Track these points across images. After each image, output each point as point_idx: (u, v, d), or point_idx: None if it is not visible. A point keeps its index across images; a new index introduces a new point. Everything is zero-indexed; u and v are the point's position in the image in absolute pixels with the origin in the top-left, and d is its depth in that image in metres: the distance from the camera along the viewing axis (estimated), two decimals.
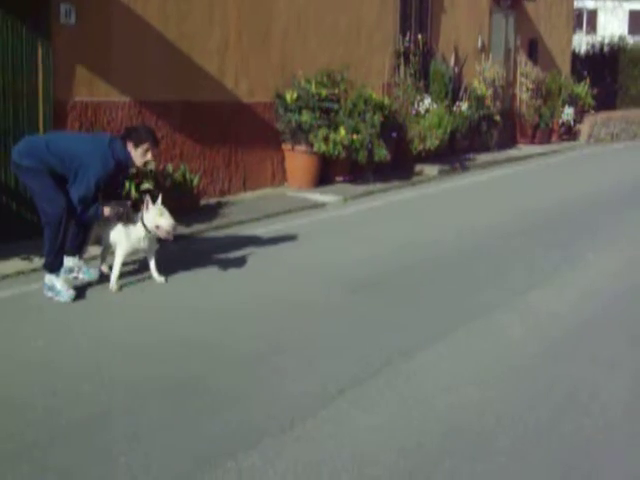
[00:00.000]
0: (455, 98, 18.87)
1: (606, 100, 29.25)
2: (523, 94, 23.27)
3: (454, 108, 18.49)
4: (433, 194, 15.04)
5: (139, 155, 8.26)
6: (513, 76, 23.27)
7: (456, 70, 19.55)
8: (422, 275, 9.16)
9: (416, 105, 17.34)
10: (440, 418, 5.49)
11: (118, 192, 8.83)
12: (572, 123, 24.70)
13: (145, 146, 8.25)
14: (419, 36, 18.24)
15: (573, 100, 24.73)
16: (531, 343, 7.08)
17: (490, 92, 20.45)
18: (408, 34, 17.91)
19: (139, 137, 8.28)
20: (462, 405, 5.70)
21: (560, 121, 24.16)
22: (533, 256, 10.14)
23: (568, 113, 24.28)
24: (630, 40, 35.56)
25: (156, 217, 8.17)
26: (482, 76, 20.78)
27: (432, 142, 16.82)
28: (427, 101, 17.56)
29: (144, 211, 8.24)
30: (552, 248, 10.57)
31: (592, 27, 48.61)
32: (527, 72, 23.40)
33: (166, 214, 8.21)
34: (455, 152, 18.62)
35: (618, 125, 27.04)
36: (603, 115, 26.80)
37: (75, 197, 7.90)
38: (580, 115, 25.32)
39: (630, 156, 23.04)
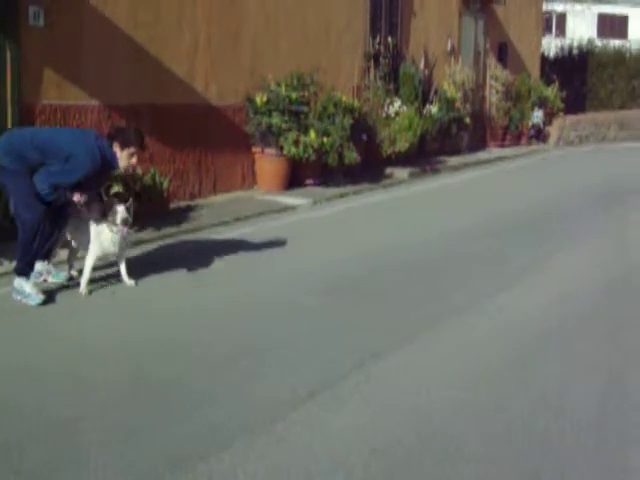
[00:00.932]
0: (425, 101, 18.92)
1: (575, 103, 29.42)
2: (493, 97, 23.39)
3: (424, 111, 18.53)
4: (403, 197, 15.07)
5: (124, 157, 8.08)
6: (483, 79, 23.38)
7: (426, 73, 19.61)
8: (392, 277, 9.17)
9: (386, 108, 17.38)
10: (410, 421, 5.50)
11: (96, 192, 8.66)
12: (541, 126, 24.84)
13: (132, 149, 8.08)
14: (389, 38, 18.27)
15: (542, 103, 24.88)
16: (501, 345, 7.10)
17: (460, 95, 20.52)
18: (378, 36, 17.94)
19: (126, 139, 8.09)
20: (432, 408, 5.71)
21: (529, 124, 24.30)
22: (502, 258, 10.18)
23: (537, 116, 24.42)
24: (599, 43, 35.76)
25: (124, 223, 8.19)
26: (452, 79, 20.86)
27: (402, 145, 16.87)
28: (397, 104, 17.59)
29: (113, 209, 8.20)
30: (521, 250, 10.61)
31: (561, 30, 48.79)
32: (497, 75, 23.53)
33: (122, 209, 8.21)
34: (425, 155, 18.67)
35: (587, 128, 27.21)
36: (572, 118, 26.95)
37: (48, 179, 7.73)
38: (549, 118, 25.47)
39: (598, 158, 23.18)
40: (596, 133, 27.49)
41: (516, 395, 5.97)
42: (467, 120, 20.62)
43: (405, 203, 14.55)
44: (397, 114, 17.38)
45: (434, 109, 18.91)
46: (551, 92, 25.54)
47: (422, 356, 6.75)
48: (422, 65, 19.64)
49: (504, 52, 24.69)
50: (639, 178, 18.45)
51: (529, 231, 11.87)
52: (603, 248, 11.00)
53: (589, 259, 10.34)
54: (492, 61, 23.79)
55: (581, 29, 45.30)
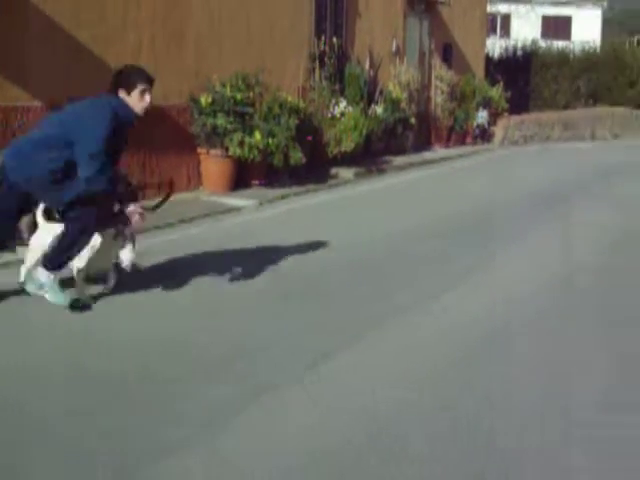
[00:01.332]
0: (370, 101, 18.94)
1: (519, 103, 29.69)
2: (438, 97, 23.49)
3: (369, 111, 18.55)
4: (349, 197, 15.09)
5: (136, 101, 7.37)
6: (428, 79, 23.48)
7: (371, 73, 19.65)
8: (338, 277, 9.17)
9: (332, 108, 17.37)
10: (358, 421, 5.48)
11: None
12: (486, 126, 25.01)
13: (140, 87, 7.37)
14: (334, 39, 18.29)
15: (487, 103, 25.05)
16: (446, 345, 7.11)
17: (405, 95, 20.57)
18: (323, 37, 17.94)
19: (129, 81, 7.39)
20: (378, 408, 5.70)
21: (474, 124, 24.44)
22: (447, 258, 10.22)
23: (482, 116, 24.59)
24: (543, 44, 36.14)
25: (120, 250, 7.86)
26: (397, 79, 20.92)
27: (348, 145, 16.88)
28: (342, 104, 17.59)
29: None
30: (466, 250, 10.67)
31: (506, 31, 49.27)
32: (442, 75, 23.63)
33: (129, 247, 7.90)
34: (371, 155, 18.70)
35: (531, 128, 27.46)
36: (516, 118, 27.19)
37: (86, 166, 7.11)
38: (494, 118, 25.67)
39: (543, 158, 23.38)
40: (540, 133, 27.75)
41: (461, 395, 5.99)
42: (412, 120, 20.68)
43: (351, 203, 14.57)
44: (343, 114, 17.37)
45: (379, 109, 18.95)
46: (496, 92, 25.74)
47: (369, 356, 6.74)
48: (367, 66, 19.68)
49: (449, 53, 24.84)
50: (582, 178, 18.64)
51: (474, 231, 11.94)
52: (547, 248, 11.09)
53: (533, 259, 10.41)
54: (437, 62, 23.90)
55: (525, 30, 45.77)
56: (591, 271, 9.94)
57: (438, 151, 22.37)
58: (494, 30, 45.74)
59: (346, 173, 16.82)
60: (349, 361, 6.61)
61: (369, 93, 18.99)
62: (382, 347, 6.99)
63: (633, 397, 6.11)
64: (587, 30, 50.26)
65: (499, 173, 19.69)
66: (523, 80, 32.41)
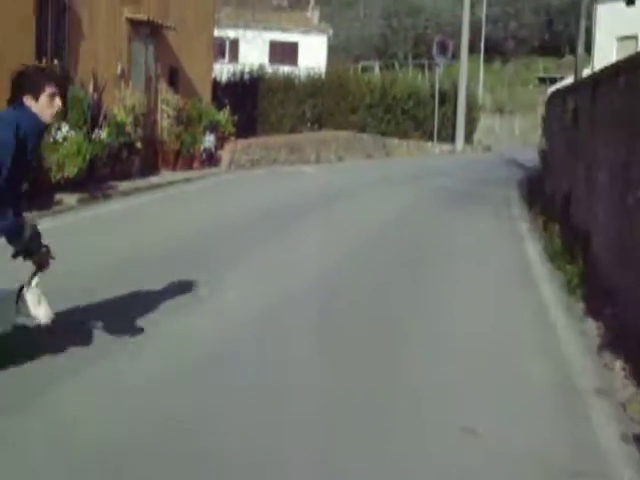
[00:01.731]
0: (94, 125, 18.72)
1: (247, 127, 30.19)
2: (164, 121, 23.52)
3: (94, 135, 18.33)
4: (73, 223, 14.80)
5: (44, 107, 6.21)
6: (154, 103, 23.45)
7: (95, 97, 19.42)
8: (63, 307, 8.94)
9: (54, 133, 17.02)
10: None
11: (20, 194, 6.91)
12: (213, 150, 25.26)
13: (48, 90, 6.21)
14: (55, 61, 17.96)
15: (214, 127, 25.31)
16: (168, 370, 7.08)
17: (130, 119, 20.47)
18: (44, 59, 17.58)
19: (35, 84, 6.23)
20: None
21: (202, 148, 24.60)
22: (170, 283, 10.17)
23: (209, 140, 24.82)
24: (270, 69, 36.96)
25: (35, 305, 6.96)
26: (122, 103, 20.79)
27: (71, 170, 16.61)
28: (65, 129, 17.27)
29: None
30: (193, 273, 10.66)
31: (234, 56, 49.95)
32: (168, 99, 23.70)
33: (44, 302, 7.02)
34: (96, 180, 18.39)
35: (258, 151, 27.94)
36: (244, 142, 27.60)
37: None
38: (221, 142, 25.95)
39: (268, 182, 23.89)
40: (267, 156, 28.29)
41: (178, 421, 5.98)
42: (138, 145, 20.61)
43: (75, 230, 14.27)
44: (65, 139, 17.07)
45: (104, 134, 18.76)
46: (223, 116, 26.07)
47: (85, 394, 6.60)
48: (91, 89, 19.45)
49: (175, 77, 24.95)
50: (305, 200, 19.17)
51: (200, 255, 11.98)
52: (267, 270, 11.30)
53: (255, 281, 10.58)
54: (163, 86, 23.94)
55: (254, 55, 46.56)
56: (314, 290, 10.24)
57: (165, 175, 22.35)
58: (222, 54, 46.31)
59: (70, 199, 16.49)
60: (63, 396, 6.46)
61: (93, 117, 18.77)
62: (101, 381, 6.87)
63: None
64: (313, 56, 51.76)
65: (225, 197, 19.95)
66: (250, 104, 33.01)
